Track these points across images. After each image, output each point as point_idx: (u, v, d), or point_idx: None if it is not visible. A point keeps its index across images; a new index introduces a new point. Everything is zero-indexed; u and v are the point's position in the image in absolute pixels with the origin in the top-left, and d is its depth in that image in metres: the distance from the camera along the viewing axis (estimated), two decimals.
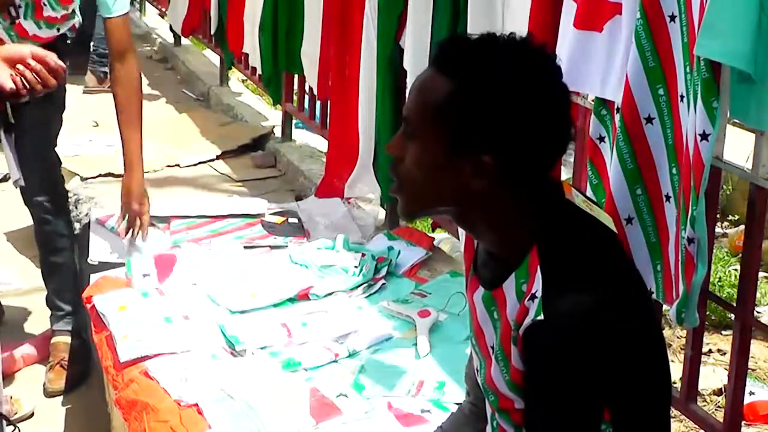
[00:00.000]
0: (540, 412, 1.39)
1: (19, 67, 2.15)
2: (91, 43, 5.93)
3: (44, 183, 3.38)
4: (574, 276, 1.37)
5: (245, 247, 3.24)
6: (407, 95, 1.52)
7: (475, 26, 2.77)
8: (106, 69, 5.12)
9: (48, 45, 2.73)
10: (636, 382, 1.42)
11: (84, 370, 3.40)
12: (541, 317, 1.34)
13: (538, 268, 1.38)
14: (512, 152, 1.39)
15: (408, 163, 1.45)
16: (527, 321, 1.37)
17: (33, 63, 2.16)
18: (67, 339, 3.45)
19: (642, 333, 1.43)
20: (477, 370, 1.60)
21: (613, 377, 1.38)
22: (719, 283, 3.78)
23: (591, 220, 1.46)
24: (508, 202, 1.43)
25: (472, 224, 1.48)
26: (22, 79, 2.15)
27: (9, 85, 2.15)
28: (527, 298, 1.38)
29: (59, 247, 3.43)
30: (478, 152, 1.39)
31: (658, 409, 1.48)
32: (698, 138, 1.78)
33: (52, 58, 2.20)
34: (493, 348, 1.50)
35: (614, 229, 1.52)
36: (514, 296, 1.43)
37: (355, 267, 3.03)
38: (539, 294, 1.35)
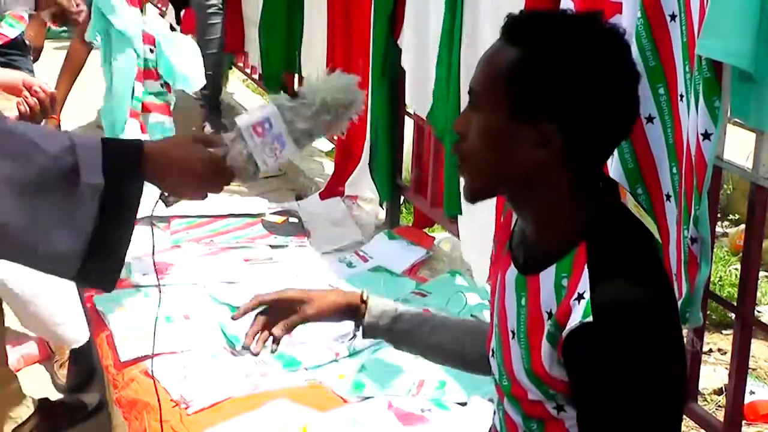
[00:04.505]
0: (605, 419, 1.33)
1: (25, 94, 2.16)
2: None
3: None
4: (623, 278, 1.32)
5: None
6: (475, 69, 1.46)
7: (472, 26, 2.77)
8: None
9: None
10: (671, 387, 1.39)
11: (91, 367, 3.40)
12: (589, 319, 1.30)
13: (586, 266, 1.34)
14: (576, 124, 1.36)
15: (472, 135, 1.42)
16: (573, 323, 1.32)
17: (34, 92, 2.16)
18: None
19: (680, 339, 1.42)
20: (493, 351, 1.57)
21: (664, 378, 1.35)
22: (720, 283, 3.78)
23: (640, 225, 1.44)
24: (567, 186, 1.40)
25: (525, 204, 1.44)
26: (26, 107, 2.15)
27: (14, 113, 2.16)
28: (573, 298, 1.34)
29: None
30: (541, 120, 1.36)
31: (675, 415, 1.46)
32: (700, 138, 1.78)
33: (44, 86, 2.22)
34: (514, 333, 1.47)
35: (659, 238, 1.49)
36: (551, 288, 1.39)
37: None
38: (587, 295, 1.32)
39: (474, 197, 1.48)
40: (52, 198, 1.48)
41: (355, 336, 1.81)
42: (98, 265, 1.54)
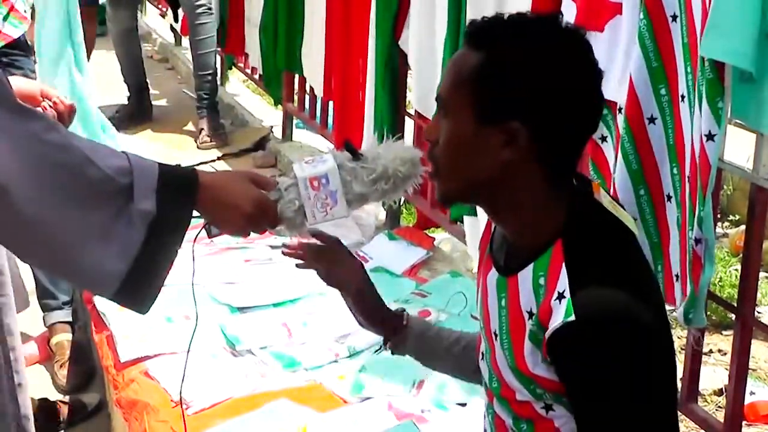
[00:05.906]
0: (599, 416, 1.35)
1: (45, 105, 2.16)
2: None
3: None
4: (602, 275, 1.34)
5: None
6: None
7: None
8: None
9: None
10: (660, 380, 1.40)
11: (92, 367, 3.39)
12: (572, 318, 1.31)
13: (563, 264, 1.36)
14: (541, 120, 1.38)
15: (442, 141, 1.44)
16: (555, 323, 1.33)
17: (54, 103, 2.15)
18: (69, 336, 3.45)
19: (665, 333, 1.42)
20: (482, 354, 1.58)
21: (652, 372, 1.35)
22: (720, 284, 3.78)
23: (616, 221, 1.45)
24: (539, 184, 1.41)
25: (498, 206, 1.46)
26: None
27: None
28: (553, 298, 1.35)
29: None
30: (507, 119, 1.38)
31: (669, 409, 1.46)
32: (704, 139, 1.78)
33: (62, 97, 2.22)
34: (496, 334, 1.48)
35: (636, 232, 1.50)
36: (529, 287, 1.40)
37: None
38: (567, 294, 1.33)
39: (446, 200, 1.51)
40: (101, 215, 1.47)
41: (384, 348, 1.82)
42: (139, 288, 1.55)
